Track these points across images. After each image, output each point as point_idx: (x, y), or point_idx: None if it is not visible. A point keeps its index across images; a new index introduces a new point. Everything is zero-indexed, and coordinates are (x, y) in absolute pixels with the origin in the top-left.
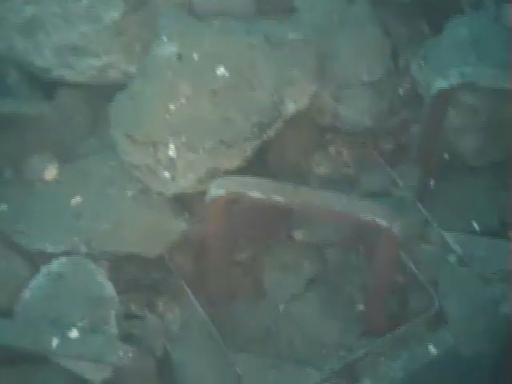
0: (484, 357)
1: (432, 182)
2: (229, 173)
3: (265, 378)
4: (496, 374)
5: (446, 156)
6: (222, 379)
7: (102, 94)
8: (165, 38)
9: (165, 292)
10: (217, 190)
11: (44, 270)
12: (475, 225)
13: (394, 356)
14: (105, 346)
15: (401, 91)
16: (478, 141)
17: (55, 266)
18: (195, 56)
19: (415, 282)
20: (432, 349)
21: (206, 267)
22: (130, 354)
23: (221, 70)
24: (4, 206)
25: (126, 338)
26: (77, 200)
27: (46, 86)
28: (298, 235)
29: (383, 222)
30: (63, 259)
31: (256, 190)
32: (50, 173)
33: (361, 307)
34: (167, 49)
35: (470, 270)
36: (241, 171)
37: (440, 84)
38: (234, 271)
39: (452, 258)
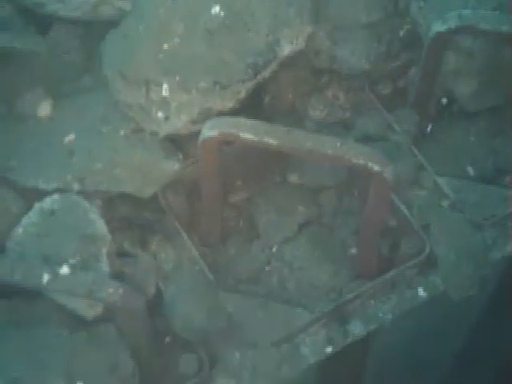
0: (472, 301)
1: (429, 127)
2: (223, 114)
3: (255, 318)
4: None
5: (444, 101)
6: (213, 318)
7: (96, 31)
8: None
9: (158, 231)
10: (209, 130)
11: (36, 206)
12: (470, 170)
13: (383, 299)
14: (95, 283)
15: (400, 33)
16: (475, 86)
17: (48, 202)
18: None
19: (407, 227)
20: (421, 292)
21: (199, 208)
22: (121, 291)
23: (216, 10)
24: None
25: (118, 275)
26: (70, 138)
27: (40, 22)
28: (293, 178)
29: (375, 167)
30: (56, 196)
31: (249, 131)
32: (44, 109)
33: (353, 251)
34: None
35: (462, 216)
36: (235, 113)
37: (438, 27)
38: (228, 212)
39: (445, 203)
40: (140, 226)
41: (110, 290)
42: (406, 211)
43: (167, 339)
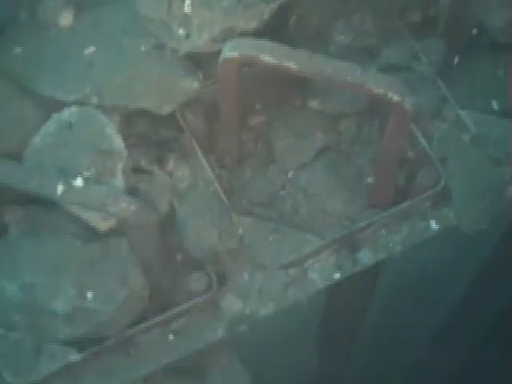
0: (484, 237)
1: (456, 58)
2: (245, 35)
3: (266, 241)
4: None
5: (474, 31)
6: (224, 238)
7: None
8: None
9: (175, 150)
10: (230, 51)
11: (54, 117)
12: (495, 104)
13: (395, 229)
14: (108, 197)
15: None
16: (507, 17)
17: (66, 114)
18: None
19: (425, 159)
20: (434, 225)
21: (217, 128)
22: (133, 207)
23: None
24: (18, 49)
25: (133, 191)
26: (90, 50)
27: None
28: (314, 104)
29: (395, 96)
30: (74, 109)
31: (269, 54)
32: (65, 18)
33: (369, 180)
34: None
35: (481, 150)
36: (258, 35)
37: None
38: (246, 135)
39: (465, 137)
40: (157, 143)
41: (123, 205)
42: (424, 143)
43: (178, 257)
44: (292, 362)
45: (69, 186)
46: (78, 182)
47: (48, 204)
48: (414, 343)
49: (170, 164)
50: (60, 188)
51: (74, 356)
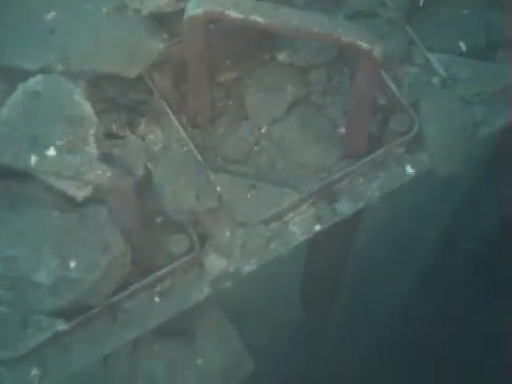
0: (459, 178)
1: (421, 1)
2: None
3: (244, 197)
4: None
5: None
6: (202, 198)
7: None
8: None
9: (146, 113)
10: (194, 8)
11: (20, 87)
12: (462, 45)
13: (371, 177)
14: (82, 165)
15: None
16: None
17: (32, 83)
18: None
19: (396, 105)
20: (409, 170)
21: (187, 88)
22: (109, 173)
23: None
24: None
25: (107, 157)
26: (52, 14)
27: None
28: (282, 57)
29: (364, 44)
30: (40, 77)
31: (234, 9)
32: None
33: (342, 130)
34: None
35: (452, 92)
36: None
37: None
38: (216, 93)
39: (435, 80)
40: (127, 107)
41: (98, 172)
42: (395, 89)
43: (158, 219)
44: (278, 317)
45: (42, 157)
46: (51, 151)
47: (23, 176)
48: (396, 287)
49: (142, 127)
50: (33, 159)
51: (62, 326)
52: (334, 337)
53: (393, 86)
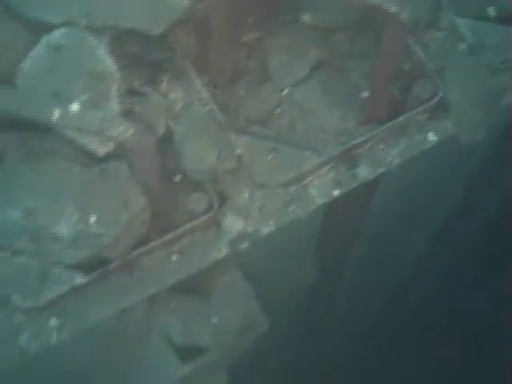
0: (481, 146)
1: None
2: None
3: (264, 159)
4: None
5: None
6: (222, 158)
7: None
8: None
9: (168, 71)
10: None
11: (43, 40)
12: (491, 11)
13: (392, 143)
14: (105, 121)
15: None
16: None
17: (55, 36)
18: None
19: (421, 70)
20: (431, 137)
21: (210, 47)
22: (131, 130)
23: None
24: None
25: (128, 114)
26: None
27: None
28: (306, 18)
29: (392, 7)
30: (63, 30)
31: None
32: None
33: (364, 94)
34: None
35: (478, 59)
36: None
37: None
38: (239, 53)
39: (462, 46)
40: (150, 64)
41: (121, 129)
42: (421, 54)
43: (177, 178)
44: (292, 278)
45: (65, 111)
46: (74, 106)
47: (44, 130)
48: (409, 251)
49: (164, 85)
50: (56, 113)
51: (80, 279)
52: (346, 296)
53: (418, 51)
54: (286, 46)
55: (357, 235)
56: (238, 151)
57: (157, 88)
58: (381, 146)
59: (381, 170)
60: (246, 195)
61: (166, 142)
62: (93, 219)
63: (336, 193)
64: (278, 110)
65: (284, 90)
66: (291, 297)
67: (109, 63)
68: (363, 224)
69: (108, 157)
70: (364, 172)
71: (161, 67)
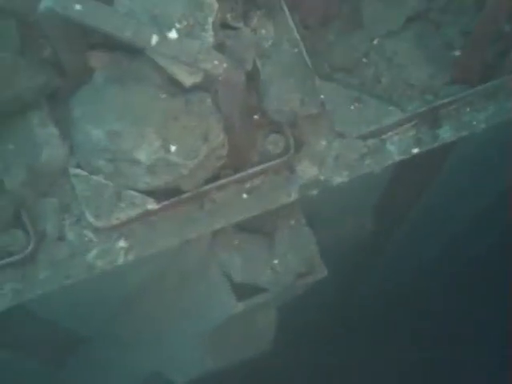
0: None
1: None
2: None
3: (347, 109)
4: None
5: None
6: (306, 103)
7: None
8: None
9: (261, 6)
10: None
11: None
12: None
13: (479, 107)
14: (201, 52)
15: None
16: None
17: None
18: None
19: None
20: None
21: None
22: (225, 65)
23: None
24: None
25: (220, 47)
26: None
27: None
28: None
29: None
30: None
31: None
32: None
33: (457, 53)
34: None
35: None
36: None
37: None
38: None
39: None
40: None
41: (216, 62)
42: None
43: (255, 116)
44: (349, 228)
45: (163, 37)
46: (173, 33)
47: (134, 52)
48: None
49: (255, 21)
50: (155, 38)
51: (152, 205)
52: (398, 249)
53: None
54: None
55: (418, 197)
56: (321, 97)
57: (248, 23)
58: (467, 109)
59: (464, 133)
60: (324, 143)
61: (250, 80)
62: (173, 148)
63: (415, 151)
64: (365, 60)
65: (375, 39)
66: (345, 248)
67: None
68: (427, 187)
69: (192, 87)
70: (446, 133)
71: (254, 2)
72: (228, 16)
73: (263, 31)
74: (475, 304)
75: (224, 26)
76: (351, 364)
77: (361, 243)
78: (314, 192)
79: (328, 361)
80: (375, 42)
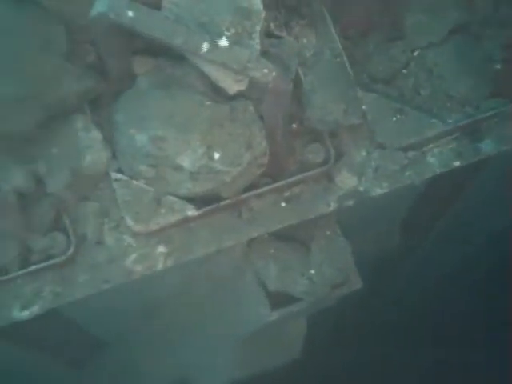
0: None
1: None
2: None
3: (388, 120)
4: None
5: None
6: (349, 113)
7: None
8: None
9: (305, 16)
10: None
11: None
12: None
13: None
14: (251, 61)
15: None
16: None
17: None
18: None
19: None
20: None
21: None
22: (274, 73)
23: None
24: None
25: (265, 55)
26: None
27: None
28: None
29: None
30: None
31: None
32: None
33: (498, 66)
34: None
35: None
36: None
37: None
38: (373, 5)
39: None
40: (287, 6)
41: (265, 71)
42: None
43: (294, 125)
44: (377, 237)
45: (214, 45)
46: (224, 41)
47: (177, 58)
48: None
49: (297, 30)
50: (205, 46)
51: (192, 211)
52: (422, 257)
53: None
54: (426, 4)
55: (447, 210)
56: (363, 107)
57: (290, 32)
58: (509, 123)
59: (506, 147)
60: (364, 153)
61: (296, 88)
62: (217, 155)
63: (456, 164)
64: (404, 71)
65: (415, 50)
66: (371, 259)
67: (257, 1)
68: (453, 202)
69: (235, 95)
70: (488, 147)
71: (297, 11)
72: (271, 25)
73: (305, 40)
74: (492, 309)
75: (268, 34)
76: (375, 370)
77: (387, 253)
78: (350, 202)
79: (351, 369)
80: (416, 53)
